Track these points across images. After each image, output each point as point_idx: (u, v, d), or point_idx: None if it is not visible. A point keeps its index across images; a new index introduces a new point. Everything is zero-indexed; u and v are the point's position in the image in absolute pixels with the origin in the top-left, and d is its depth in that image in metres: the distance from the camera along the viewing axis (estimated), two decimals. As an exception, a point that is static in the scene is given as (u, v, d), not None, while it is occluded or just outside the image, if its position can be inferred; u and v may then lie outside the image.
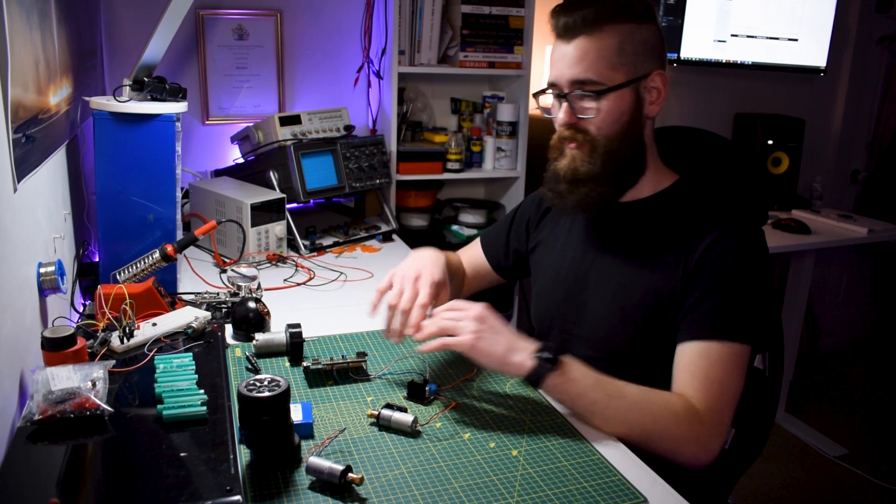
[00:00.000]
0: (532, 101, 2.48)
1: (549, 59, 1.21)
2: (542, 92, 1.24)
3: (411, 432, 1.04)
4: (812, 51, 2.98)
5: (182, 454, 0.86)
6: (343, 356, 1.22)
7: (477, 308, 1.09)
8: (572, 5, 1.15)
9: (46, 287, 1.16)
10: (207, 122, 2.27)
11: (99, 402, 0.92)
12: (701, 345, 1.11)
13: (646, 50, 1.16)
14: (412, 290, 1.21)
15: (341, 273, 1.75)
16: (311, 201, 2.12)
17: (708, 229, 1.16)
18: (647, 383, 1.19)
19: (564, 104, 1.18)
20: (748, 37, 2.87)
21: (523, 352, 1.07)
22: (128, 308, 1.17)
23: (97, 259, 1.51)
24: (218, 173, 2.18)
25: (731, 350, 1.10)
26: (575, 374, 1.07)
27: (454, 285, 1.51)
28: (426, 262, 1.28)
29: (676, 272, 1.17)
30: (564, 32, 1.15)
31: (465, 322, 1.08)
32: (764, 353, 1.40)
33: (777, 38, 2.92)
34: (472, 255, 1.55)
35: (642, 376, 1.21)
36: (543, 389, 1.09)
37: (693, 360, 1.11)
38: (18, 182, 1.04)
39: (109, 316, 1.18)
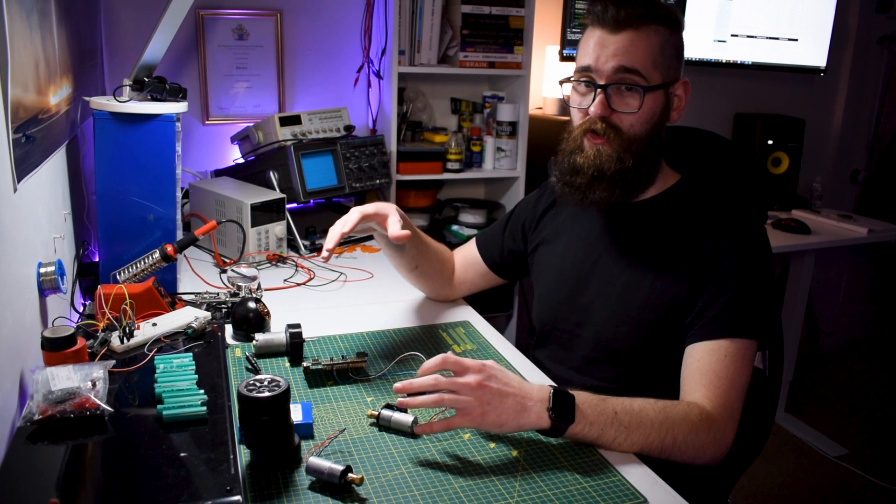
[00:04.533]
0: (532, 101, 2.49)
1: (583, 46, 1.18)
2: (568, 80, 1.21)
3: (411, 432, 1.04)
4: (812, 51, 2.98)
5: (182, 454, 0.86)
6: (343, 356, 1.22)
7: (473, 376, 0.99)
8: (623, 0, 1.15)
9: (46, 287, 1.16)
10: (207, 122, 2.27)
11: (99, 402, 0.92)
12: (708, 344, 1.11)
13: (677, 57, 1.19)
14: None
15: (341, 273, 1.75)
16: (311, 201, 2.12)
17: (711, 231, 1.17)
18: (651, 383, 1.19)
19: (600, 95, 1.15)
20: (748, 37, 2.87)
21: (535, 407, 1.00)
22: (128, 308, 1.17)
23: (97, 259, 1.51)
24: (218, 173, 2.18)
25: (738, 346, 1.11)
26: (592, 417, 1.01)
27: (434, 274, 1.50)
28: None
29: (681, 275, 1.17)
30: (613, 23, 1.14)
31: (465, 396, 0.98)
32: (764, 353, 1.40)
33: (777, 38, 2.92)
34: (468, 254, 1.54)
35: (645, 376, 1.21)
36: (563, 438, 1.03)
37: (701, 359, 1.11)
38: (18, 182, 1.04)
39: (109, 316, 1.18)
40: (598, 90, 1.16)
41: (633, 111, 1.15)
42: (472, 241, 1.55)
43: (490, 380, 1.00)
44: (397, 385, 1.02)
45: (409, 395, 1.03)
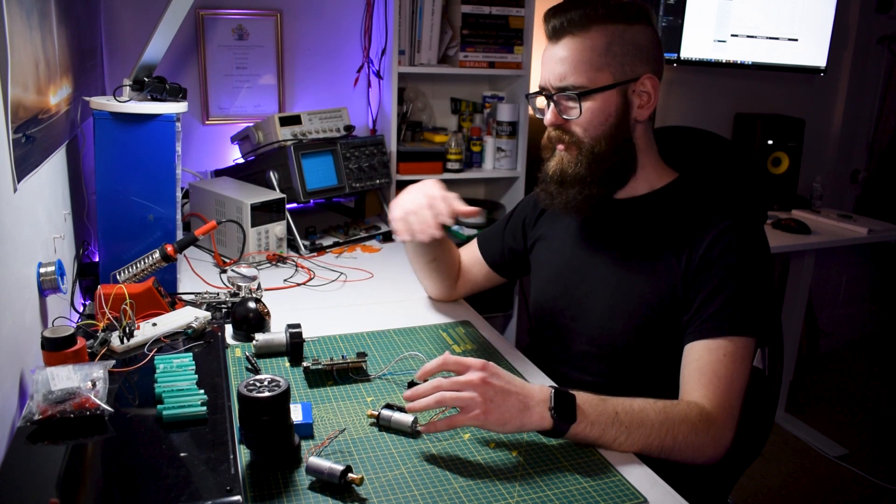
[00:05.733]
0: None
1: (541, 60, 1.22)
2: (537, 94, 1.25)
3: (411, 432, 1.04)
4: (812, 51, 2.98)
5: (182, 454, 0.86)
6: (343, 356, 1.22)
7: (476, 373, 0.99)
8: (562, 8, 1.16)
9: (46, 287, 1.16)
10: (207, 122, 2.27)
11: (99, 402, 0.92)
12: (707, 343, 1.11)
13: (636, 52, 1.16)
14: (424, 194, 1.23)
15: (341, 273, 1.75)
16: (311, 201, 2.12)
17: (708, 227, 1.17)
18: (645, 378, 1.19)
19: (551, 106, 1.20)
20: (748, 37, 2.87)
21: (537, 407, 1.00)
22: (128, 308, 1.17)
23: (97, 259, 1.51)
24: (218, 173, 2.18)
25: (737, 345, 1.11)
26: (593, 417, 1.01)
27: (447, 269, 1.51)
28: (424, 182, 1.28)
29: (677, 270, 1.17)
30: (553, 34, 1.17)
31: (468, 393, 0.98)
32: (763, 352, 1.40)
33: (777, 38, 2.92)
34: (470, 253, 1.55)
35: (640, 372, 1.21)
36: (565, 438, 1.03)
37: (700, 357, 1.11)
38: (18, 182, 1.04)
39: (109, 316, 1.18)
40: (550, 101, 1.20)
41: (575, 117, 1.18)
42: (474, 242, 1.56)
43: (493, 377, 1.00)
44: (407, 394, 1.02)
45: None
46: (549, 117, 1.21)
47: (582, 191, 1.20)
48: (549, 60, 1.19)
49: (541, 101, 1.24)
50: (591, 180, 1.19)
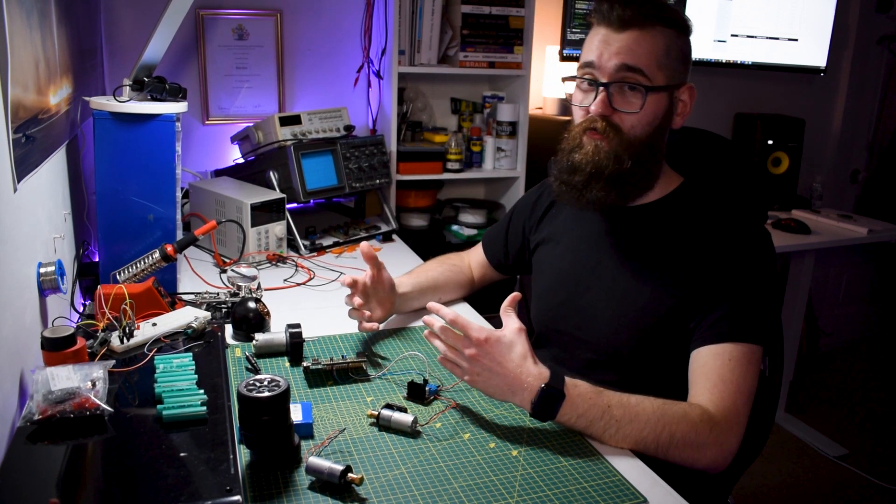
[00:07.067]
0: (532, 100, 2.49)
1: (588, 43, 1.17)
2: (576, 77, 1.20)
3: (411, 432, 1.04)
4: (812, 51, 2.98)
5: (182, 454, 0.86)
6: (343, 356, 1.22)
7: (469, 348, 1.04)
8: (627, 0, 1.14)
9: (46, 287, 1.16)
10: (207, 122, 2.27)
11: (99, 402, 0.92)
12: (714, 348, 1.11)
13: (683, 60, 1.18)
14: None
15: (341, 273, 1.75)
16: (311, 201, 2.12)
17: (715, 235, 1.16)
18: (653, 386, 1.19)
19: (601, 93, 1.14)
20: (748, 37, 2.87)
21: (521, 393, 1.03)
22: (128, 308, 1.17)
23: (97, 259, 1.51)
24: (218, 173, 2.18)
25: (743, 351, 1.10)
26: (581, 410, 1.02)
27: (455, 291, 1.56)
28: None
29: (684, 279, 1.16)
30: (618, 22, 1.13)
31: (461, 361, 1.06)
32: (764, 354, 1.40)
33: (777, 38, 2.92)
34: (478, 257, 1.59)
35: (647, 379, 1.21)
36: (553, 422, 1.05)
37: (707, 363, 1.10)
38: (18, 182, 1.04)
39: (109, 316, 1.18)
40: (601, 88, 1.14)
41: (634, 111, 1.14)
42: (479, 246, 1.60)
43: (485, 356, 1.03)
44: (427, 332, 1.11)
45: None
46: (596, 107, 1.15)
47: (614, 188, 1.17)
48: (607, 44, 1.14)
49: (569, 87, 1.23)
50: (626, 179, 1.16)
